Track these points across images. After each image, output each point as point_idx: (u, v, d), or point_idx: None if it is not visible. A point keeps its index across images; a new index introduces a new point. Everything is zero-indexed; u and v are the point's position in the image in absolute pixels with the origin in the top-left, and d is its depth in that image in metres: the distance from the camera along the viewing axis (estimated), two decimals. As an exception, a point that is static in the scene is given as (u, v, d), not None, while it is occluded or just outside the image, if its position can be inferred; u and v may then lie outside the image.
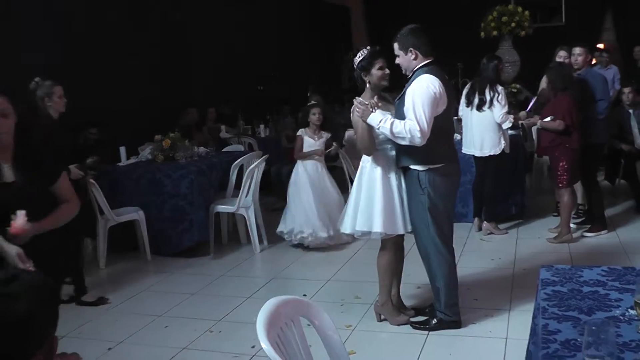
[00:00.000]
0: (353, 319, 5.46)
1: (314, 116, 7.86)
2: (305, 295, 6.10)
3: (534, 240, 7.64)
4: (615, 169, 9.16)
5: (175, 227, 7.49)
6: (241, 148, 9.69)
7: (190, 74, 11.36)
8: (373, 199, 5.01)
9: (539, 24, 15.12)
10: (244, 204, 7.56)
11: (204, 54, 11.72)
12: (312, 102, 8.59)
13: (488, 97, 7.52)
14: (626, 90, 8.90)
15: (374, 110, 4.75)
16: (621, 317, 2.49)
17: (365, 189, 5.07)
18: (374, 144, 4.98)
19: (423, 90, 4.64)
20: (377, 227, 4.98)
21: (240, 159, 7.93)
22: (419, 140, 4.59)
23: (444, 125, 4.90)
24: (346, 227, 5.24)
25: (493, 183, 7.80)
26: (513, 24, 12.52)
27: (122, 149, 8.08)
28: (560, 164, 7.25)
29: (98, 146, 8.44)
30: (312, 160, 7.85)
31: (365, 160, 5.12)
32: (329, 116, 8.66)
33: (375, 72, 5.04)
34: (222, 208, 7.72)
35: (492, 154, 7.61)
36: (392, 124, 4.65)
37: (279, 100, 12.20)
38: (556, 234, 7.53)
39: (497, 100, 7.47)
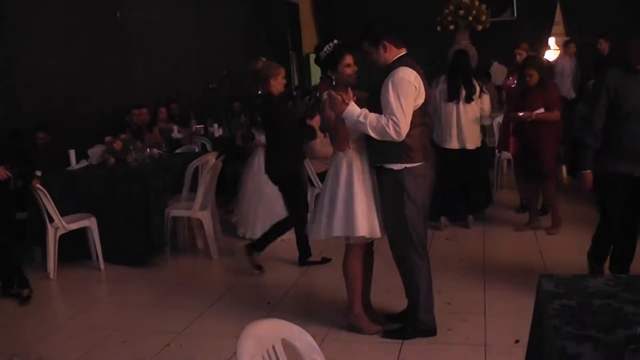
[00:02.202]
0: (321, 328, 5.16)
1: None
2: (269, 303, 5.86)
3: (501, 237, 7.55)
4: (578, 162, 9.06)
5: (129, 233, 7.15)
6: (195, 149, 9.37)
7: (139, 74, 11.04)
8: (352, 201, 4.68)
9: (490, 18, 15.06)
10: (201, 207, 7.24)
11: (152, 53, 11.40)
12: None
13: (478, 88, 7.50)
14: (589, 82, 8.83)
15: (348, 103, 4.46)
16: (645, 335, 2.27)
17: (343, 191, 4.73)
18: (348, 139, 4.69)
19: (400, 83, 4.42)
20: (360, 231, 4.69)
21: (196, 160, 7.62)
22: (397, 136, 4.39)
23: (423, 120, 4.69)
24: (319, 234, 4.91)
25: (475, 176, 7.82)
26: (470, 18, 12.46)
27: (72, 152, 7.71)
28: (548, 155, 7.31)
29: (47, 151, 8.12)
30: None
31: (340, 159, 4.79)
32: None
33: (342, 68, 4.78)
34: (177, 212, 7.40)
35: (477, 146, 7.64)
36: (370, 117, 4.41)
37: (230, 99, 11.90)
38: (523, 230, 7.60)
39: (485, 91, 7.54)
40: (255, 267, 6.74)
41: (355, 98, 4.53)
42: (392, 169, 4.60)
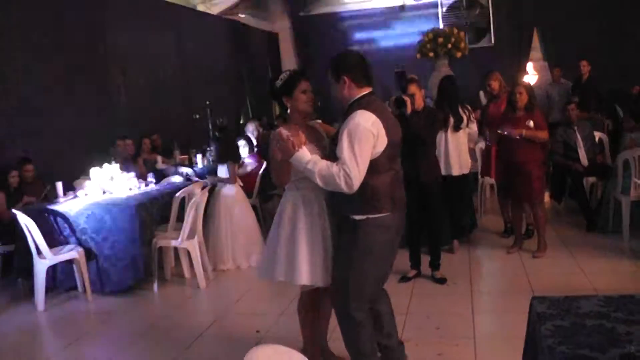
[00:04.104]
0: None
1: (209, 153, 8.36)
2: (258, 331, 5.86)
3: (487, 261, 7.60)
4: (562, 187, 9.17)
5: (117, 264, 7.15)
6: (180, 179, 9.38)
7: (121, 106, 11.09)
8: (294, 247, 4.39)
9: (469, 45, 15.24)
10: (188, 237, 7.25)
11: (134, 85, 11.46)
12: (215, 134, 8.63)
13: (464, 117, 7.59)
14: (570, 107, 8.93)
15: (297, 149, 4.03)
16: (637, 354, 2.32)
17: (286, 234, 4.45)
18: (289, 175, 4.34)
19: (355, 130, 3.96)
20: (302, 279, 4.37)
21: (182, 190, 7.62)
22: (348, 188, 3.94)
23: (392, 166, 4.22)
24: (263, 274, 4.68)
25: (460, 201, 7.90)
26: (449, 45, 12.60)
27: (59, 185, 7.71)
28: (536, 179, 7.31)
29: (34, 183, 8.17)
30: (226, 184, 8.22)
31: (286, 199, 4.54)
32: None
33: (298, 96, 4.44)
34: (165, 242, 7.40)
35: (466, 172, 7.75)
36: (320, 166, 4.00)
37: (214, 129, 11.95)
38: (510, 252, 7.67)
39: (472, 119, 7.61)
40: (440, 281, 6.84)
41: (306, 142, 4.12)
42: (353, 218, 4.18)
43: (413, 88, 6.66)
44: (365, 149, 3.96)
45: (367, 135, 3.96)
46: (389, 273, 4.53)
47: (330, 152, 4.23)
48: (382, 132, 4.03)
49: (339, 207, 4.28)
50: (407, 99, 6.21)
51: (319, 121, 4.96)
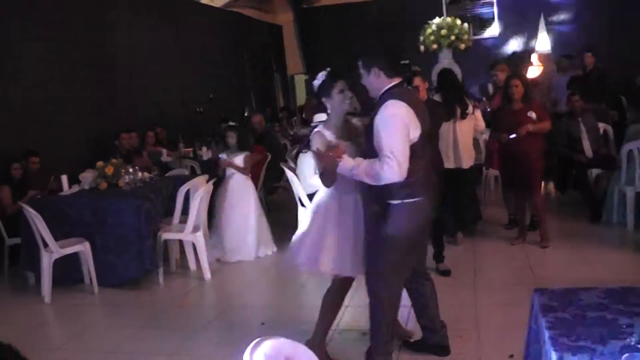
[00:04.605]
0: (318, 347, 5.21)
1: (231, 139, 8.19)
2: (263, 323, 5.89)
3: (491, 253, 7.60)
4: (565, 178, 9.17)
5: (122, 256, 7.17)
6: (185, 172, 9.41)
7: (125, 99, 11.12)
8: (321, 236, 4.61)
9: (473, 36, 15.24)
10: (193, 230, 7.29)
11: (138, 78, 11.50)
12: (230, 124, 8.57)
13: (470, 105, 7.59)
14: (574, 98, 8.92)
15: (339, 160, 4.22)
16: (638, 346, 2.34)
17: (318, 222, 4.68)
18: (335, 177, 4.45)
19: (389, 120, 4.13)
20: (323, 266, 4.59)
21: (187, 183, 7.64)
22: (396, 177, 4.10)
23: (424, 153, 4.38)
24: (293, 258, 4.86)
25: (464, 194, 7.88)
26: (453, 37, 12.57)
27: (64, 178, 7.76)
28: (535, 168, 7.37)
29: (40, 175, 8.21)
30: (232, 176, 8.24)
31: (322, 190, 4.74)
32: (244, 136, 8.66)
33: (335, 96, 4.59)
34: (169, 235, 7.44)
35: (470, 166, 7.70)
36: (363, 166, 4.19)
37: (218, 121, 11.97)
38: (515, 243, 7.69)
39: (477, 106, 7.63)
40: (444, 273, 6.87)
41: (345, 150, 4.30)
42: (389, 203, 4.34)
43: (417, 80, 6.64)
44: (401, 136, 4.12)
45: (401, 123, 4.12)
46: (421, 257, 4.77)
47: (366, 144, 4.39)
48: (415, 120, 4.19)
49: (377, 194, 4.39)
50: None
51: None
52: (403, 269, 4.53)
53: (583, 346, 2.37)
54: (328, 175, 4.43)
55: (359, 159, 4.26)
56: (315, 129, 4.67)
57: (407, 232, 4.37)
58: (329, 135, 4.59)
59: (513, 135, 7.27)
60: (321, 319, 4.96)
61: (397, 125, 4.12)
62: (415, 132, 4.21)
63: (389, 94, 4.26)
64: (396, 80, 4.33)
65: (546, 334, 2.52)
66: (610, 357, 2.27)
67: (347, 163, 4.24)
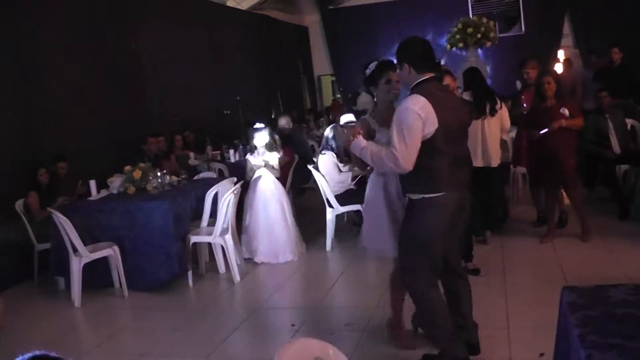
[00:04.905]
0: (347, 349, 5.12)
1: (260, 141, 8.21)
2: (293, 325, 5.89)
3: (520, 251, 7.54)
4: (593, 175, 9.09)
5: (151, 260, 7.22)
6: (213, 175, 9.45)
7: (154, 102, 11.21)
8: (370, 217, 5.04)
9: (499, 34, 15.17)
10: (221, 232, 7.32)
11: (166, 81, 11.58)
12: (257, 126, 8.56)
13: (498, 101, 7.56)
14: (602, 94, 8.86)
15: (354, 139, 4.50)
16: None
17: (370, 206, 5.08)
18: (362, 163, 4.85)
19: (404, 114, 4.22)
20: (368, 243, 5.17)
21: (215, 186, 7.67)
22: (397, 168, 4.26)
23: (448, 148, 4.34)
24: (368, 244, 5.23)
25: (492, 192, 7.80)
26: (479, 35, 12.54)
27: (92, 183, 7.83)
28: (570, 163, 7.34)
29: (68, 180, 8.28)
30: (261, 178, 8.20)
31: (371, 180, 5.04)
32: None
33: (382, 85, 4.88)
34: (198, 238, 7.48)
35: (498, 164, 7.65)
36: (370, 150, 4.42)
37: (246, 124, 12.02)
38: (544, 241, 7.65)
39: (502, 105, 7.56)
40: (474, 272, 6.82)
41: (360, 132, 4.58)
42: (411, 197, 4.50)
43: (447, 79, 6.63)
44: (413, 131, 4.18)
45: (414, 117, 4.17)
46: (452, 254, 4.75)
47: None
48: (432, 115, 4.19)
49: (403, 188, 4.63)
50: None
51: None
52: (428, 265, 4.53)
53: (611, 343, 2.35)
54: (356, 159, 4.82)
55: (372, 143, 4.53)
56: (362, 117, 5.02)
57: (428, 227, 4.42)
58: (372, 122, 4.87)
59: (545, 130, 7.22)
60: (393, 298, 5.23)
61: (408, 120, 4.19)
62: (430, 128, 4.22)
63: (417, 89, 4.35)
64: (427, 76, 4.40)
65: (575, 332, 2.51)
66: (639, 354, 2.24)
67: (361, 142, 4.48)
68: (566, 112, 7.22)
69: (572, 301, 2.79)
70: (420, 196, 4.39)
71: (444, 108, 4.27)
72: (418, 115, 4.17)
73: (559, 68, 14.19)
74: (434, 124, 4.22)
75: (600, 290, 2.90)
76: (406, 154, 4.19)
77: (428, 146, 4.25)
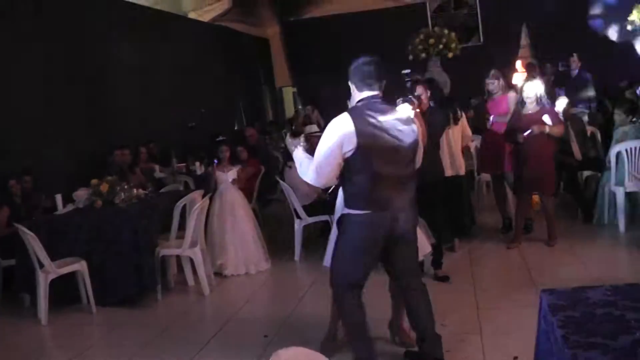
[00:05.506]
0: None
1: (224, 154, 8.26)
2: (266, 336, 5.86)
3: (488, 257, 7.66)
4: (557, 181, 9.22)
5: (120, 274, 7.11)
6: (179, 187, 9.41)
7: (117, 115, 11.13)
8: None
9: (459, 44, 15.34)
10: (190, 245, 7.29)
11: (129, 93, 11.51)
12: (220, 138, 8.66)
13: (458, 110, 7.68)
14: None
15: (294, 148, 4.74)
16: (649, 340, 2.39)
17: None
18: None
19: (328, 130, 4.39)
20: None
21: (183, 199, 7.64)
22: (312, 181, 4.50)
23: (372, 168, 4.34)
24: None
25: (459, 200, 7.95)
26: (441, 46, 12.68)
27: (58, 197, 7.74)
28: (550, 169, 7.54)
29: (31, 195, 8.17)
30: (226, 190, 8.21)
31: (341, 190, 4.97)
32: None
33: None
34: (167, 251, 7.43)
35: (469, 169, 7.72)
36: (300, 158, 4.64)
37: (211, 136, 11.98)
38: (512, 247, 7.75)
39: (462, 114, 7.69)
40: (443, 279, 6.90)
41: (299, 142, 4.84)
42: (342, 212, 4.61)
43: (420, 89, 6.70)
44: (330, 148, 4.32)
45: (333, 135, 4.31)
46: (372, 267, 4.73)
47: None
48: (351, 134, 4.27)
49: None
50: (414, 101, 6.21)
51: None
52: (350, 279, 4.63)
53: (594, 342, 2.41)
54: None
55: (307, 154, 4.66)
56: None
57: (350, 244, 4.54)
58: None
59: (528, 132, 7.32)
60: (393, 306, 5.32)
61: (326, 136, 4.37)
62: (349, 146, 4.29)
63: (352, 108, 4.51)
64: (366, 94, 4.45)
65: (558, 333, 2.56)
66: (621, 352, 2.31)
67: (298, 152, 4.70)
68: (548, 119, 7.33)
69: (553, 303, 2.84)
70: (347, 211, 4.51)
71: (365, 129, 4.30)
72: (337, 134, 4.30)
73: (517, 78, 14.35)
74: (352, 143, 4.28)
75: (579, 292, 2.96)
76: (319, 169, 4.39)
77: (351, 164, 4.36)
